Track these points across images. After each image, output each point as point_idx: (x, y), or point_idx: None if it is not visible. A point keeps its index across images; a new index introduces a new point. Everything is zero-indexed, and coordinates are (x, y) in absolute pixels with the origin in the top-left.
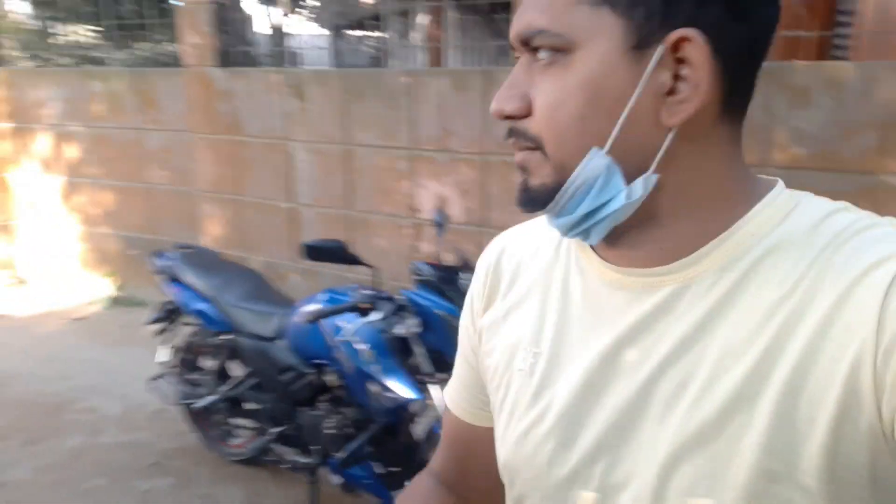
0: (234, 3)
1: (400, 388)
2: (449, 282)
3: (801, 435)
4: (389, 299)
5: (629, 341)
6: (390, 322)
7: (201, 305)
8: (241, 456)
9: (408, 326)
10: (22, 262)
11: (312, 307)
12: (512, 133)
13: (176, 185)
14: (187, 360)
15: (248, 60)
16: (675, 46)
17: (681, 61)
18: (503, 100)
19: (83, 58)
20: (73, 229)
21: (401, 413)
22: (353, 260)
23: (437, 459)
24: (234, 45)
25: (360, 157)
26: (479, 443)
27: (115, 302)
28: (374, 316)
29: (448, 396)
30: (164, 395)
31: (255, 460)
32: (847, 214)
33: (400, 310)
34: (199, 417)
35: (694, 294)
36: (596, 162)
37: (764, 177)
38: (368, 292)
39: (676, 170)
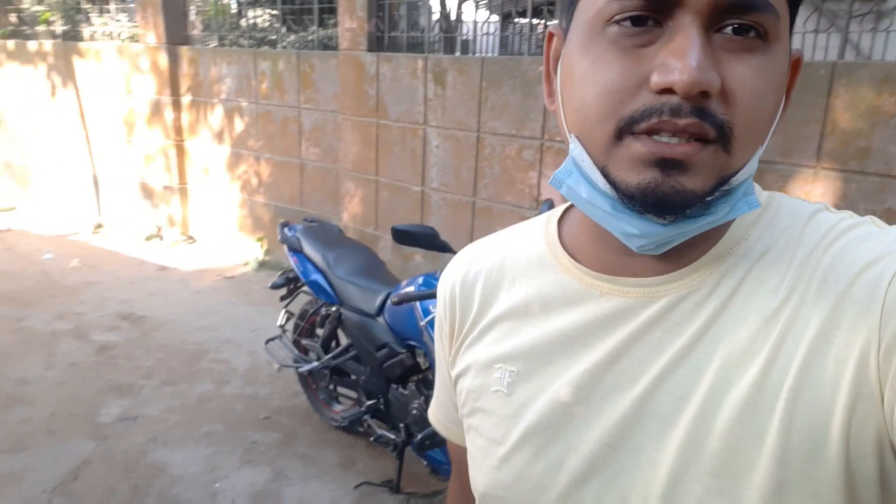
0: None
1: None
2: None
3: (814, 443)
4: None
5: (622, 354)
6: None
7: (315, 276)
8: (339, 422)
9: None
10: (193, 222)
11: (403, 290)
12: (699, 114)
13: (324, 163)
14: (302, 326)
15: (401, 46)
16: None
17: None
18: (705, 69)
19: (261, 40)
20: (234, 196)
21: None
22: (442, 247)
23: (450, 487)
24: (387, 30)
25: (490, 145)
26: None
27: (263, 265)
28: None
29: (434, 418)
30: (276, 356)
31: (352, 428)
32: (828, 215)
33: None
34: (310, 381)
35: (691, 304)
36: (755, 163)
37: None
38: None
39: None
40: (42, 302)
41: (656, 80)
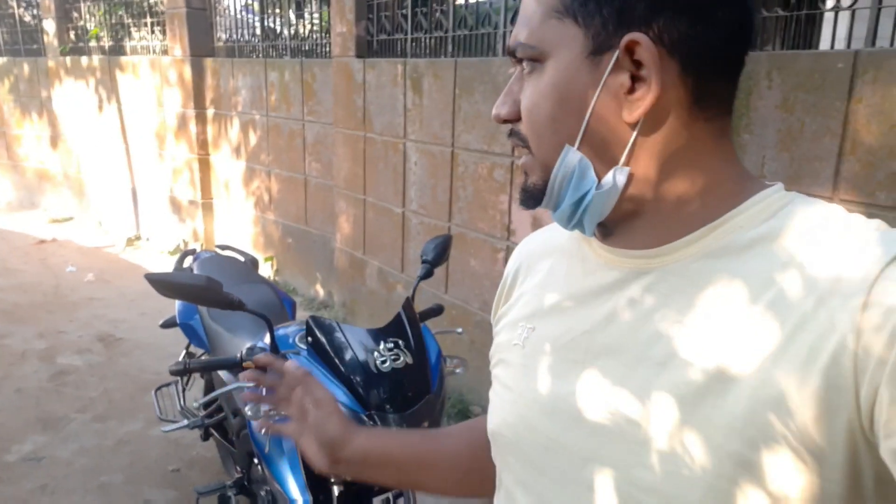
0: None
1: (292, 487)
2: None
3: (773, 426)
4: (285, 358)
5: (615, 320)
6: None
7: (191, 318)
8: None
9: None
10: (218, 238)
11: (176, 363)
12: (512, 134)
13: (324, 179)
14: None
15: (395, 50)
16: (630, 50)
17: (639, 64)
18: (499, 105)
19: (296, 49)
20: (249, 212)
21: None
22: (228, 303)
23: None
24: (376, 33)
25: (463, 163)
26: None
27: None
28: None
29: None
30: (158, 407)
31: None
32: (836, 214)
33: None
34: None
35: (679, 278)
36: (570, 157)
37: (766, 181)
38: (264, 346)
39: (655, 164)
40: (36, 318)
41: None
